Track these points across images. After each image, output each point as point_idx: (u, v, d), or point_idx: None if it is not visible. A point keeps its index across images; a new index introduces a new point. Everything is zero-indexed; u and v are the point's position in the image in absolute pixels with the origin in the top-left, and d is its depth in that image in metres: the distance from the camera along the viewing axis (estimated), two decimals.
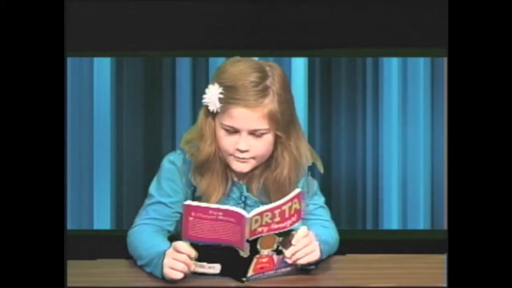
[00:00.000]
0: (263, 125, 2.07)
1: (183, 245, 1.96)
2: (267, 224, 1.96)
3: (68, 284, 1.87)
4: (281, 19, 3.15)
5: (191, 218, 1.93)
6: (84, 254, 2.09)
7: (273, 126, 2.08)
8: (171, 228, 2.15)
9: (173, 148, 3.15)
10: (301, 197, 2.00)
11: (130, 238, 2.12)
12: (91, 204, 3.24)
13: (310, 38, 3.16)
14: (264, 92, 2.06)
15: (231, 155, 2.09)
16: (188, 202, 1.96)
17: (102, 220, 3.24)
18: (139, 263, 2.06)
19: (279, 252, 2.00)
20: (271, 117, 2.07)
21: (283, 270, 2.02)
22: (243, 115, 2.06)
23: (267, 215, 1.95)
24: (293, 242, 1.99)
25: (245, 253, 1.96)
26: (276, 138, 2.11)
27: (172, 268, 1.96)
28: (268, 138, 2.09)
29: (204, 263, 1.97)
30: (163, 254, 1.98)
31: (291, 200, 1.98)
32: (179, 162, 2.16)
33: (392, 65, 3.23)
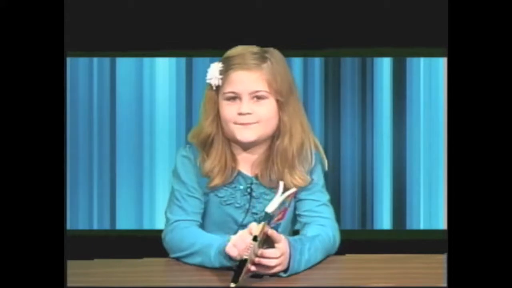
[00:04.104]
0: (263, 87, 2.11)
1: (255, 227, 1.94)
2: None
3: (68, 284, 1.87)
4: (280, 18, 3.15)
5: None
6: (84, 254, 2.09)
7: (272, 90, 2.11)
8: (202, 220, 2.18)
9: (172, 148, 3.16)
10: (293, 196, 2.02)
11: (173, 234, 2.13)
12: (91, 204, 3.24)
13: (310, 38, 3.16)
14: (262, 59, 2.12)
15: (235, 123, 2.12)
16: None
17: (102, 220, 3.24)
18: (186, 252, 2.06)
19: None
20: (270, 81, 2.11)
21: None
22: (242, 77, 2.10)
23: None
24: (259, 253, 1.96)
25: None
26: (277, 106, 2.13)
27: (234, 245, 1.96)
28: (270, 102, 2.12)
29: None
30: (223, 242, 1.99)
31: (289, 196, 2.00)
32: (191, 155, 2.19)
33: (392, 65, 3.23)
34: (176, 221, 2.15)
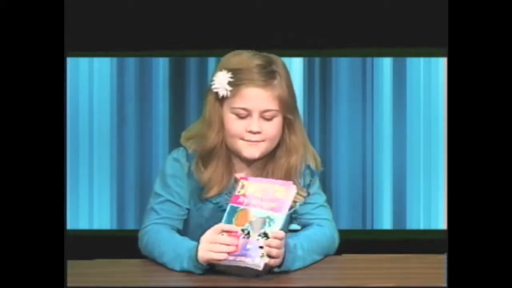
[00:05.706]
0: (274, 106, 2.09)
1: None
2: (248, 196, 1.97)
3: (68, 284, 1.87)
4: (280, 18, 3.16)
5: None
6: (84, 254, 2.09)
7: (282, 108, 2.10)
8: (181, 227, 2.14)
9: (172, 148, 3.16)
10: (289, 190, 1.99)
11: (145, 238, 2.10)
12: (91, 204, 3.24)
13: (310, 38, 3.16)
14: (272, 74, 2.09)
15: (241, 139, 2.10)
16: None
17: (102, 220, 3.24)
18: (161, 260, 2.03)
19: (247, 233, 1.97)
20: (281, 99, 2.09)
21: (241, 259, 1.95)
22: (255, 94, 2.07)
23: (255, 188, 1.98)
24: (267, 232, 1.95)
25: None
26: (284, 123, 2.12)
27: (209, 250, 1.95)
28: (278, 121, 2.11)
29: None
30: (194, 248, 1.97)
31: (279, 184, 2.00)
32: (183, 159, 2.15)
33: (391, 65, 3.23)
34: (148, 225, 2.12)
